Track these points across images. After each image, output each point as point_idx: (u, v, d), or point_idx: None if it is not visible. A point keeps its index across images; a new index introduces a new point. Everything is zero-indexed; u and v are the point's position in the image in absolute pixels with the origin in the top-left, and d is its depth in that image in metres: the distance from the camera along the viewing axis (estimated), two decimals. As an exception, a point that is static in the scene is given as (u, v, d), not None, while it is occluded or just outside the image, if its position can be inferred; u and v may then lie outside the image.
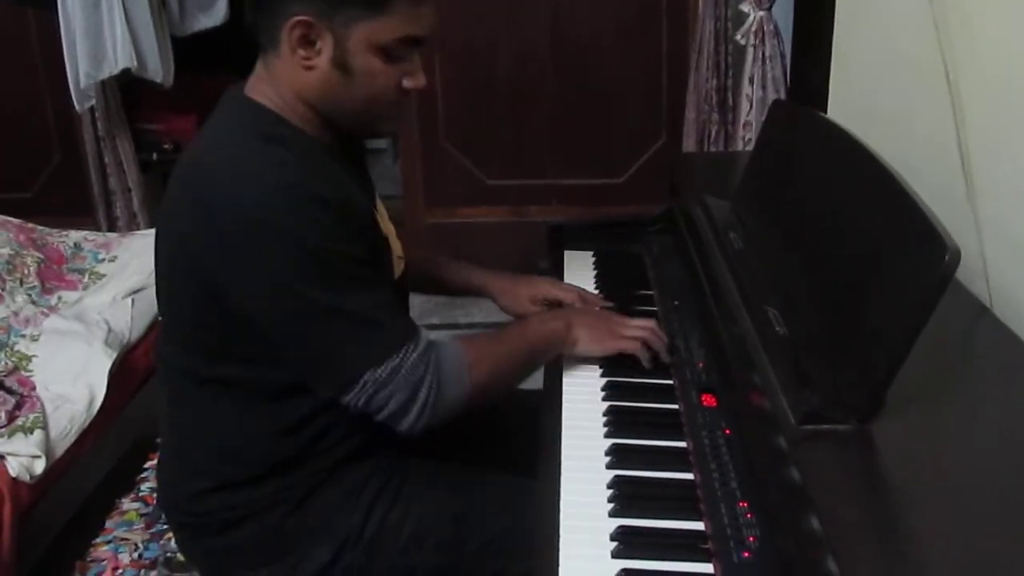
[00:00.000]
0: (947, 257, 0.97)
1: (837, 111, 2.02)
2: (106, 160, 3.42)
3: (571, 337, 1.46)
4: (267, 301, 1.24)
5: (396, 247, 1.47)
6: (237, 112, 1.33)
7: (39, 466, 1.77)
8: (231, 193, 1.22)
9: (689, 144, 3.19)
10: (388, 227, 1.46)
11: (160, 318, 1.45)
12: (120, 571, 1.45)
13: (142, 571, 1.43)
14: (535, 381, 1.50)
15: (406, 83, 1.31)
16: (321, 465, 1.37)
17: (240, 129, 1.31)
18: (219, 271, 1.25)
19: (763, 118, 1.86)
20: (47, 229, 2.61)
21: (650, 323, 1.49)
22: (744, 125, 3.00)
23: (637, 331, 1.46)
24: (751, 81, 2.93)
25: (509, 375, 1.44)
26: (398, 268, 1.46)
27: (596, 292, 1.70)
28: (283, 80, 1.30)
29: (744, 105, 2.98)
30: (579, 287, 1.67)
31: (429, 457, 1.45)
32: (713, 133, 3.12)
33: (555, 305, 1.63)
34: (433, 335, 1.36)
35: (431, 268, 1.72)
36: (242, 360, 1.31)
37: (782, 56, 2.88)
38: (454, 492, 1.43)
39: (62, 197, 3.56)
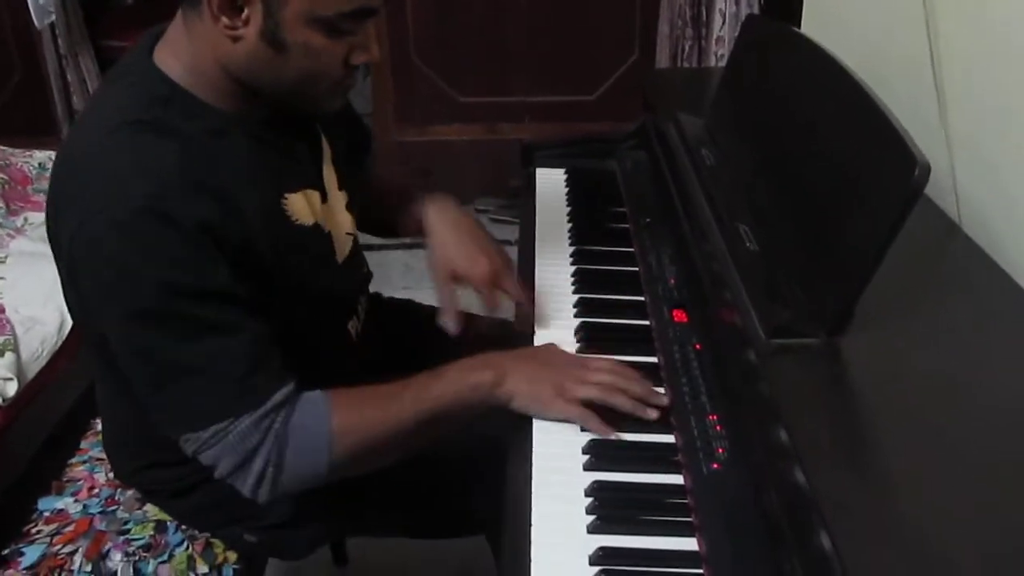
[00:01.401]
0: (917, 171, 0.97)
1: (811, 26, 2.01)
2: (69, 78, 3.35)
3: (503, 391, 1.19)
4: (106, 327, 1.10)
5: (343, 222, 1.32)
6: (128, 81, 1.14)
7: (11, 388, 1.76)
8: (75, 217, 1.06)
9: (662, 60, 3.16)
10: (334, 199, 1.31)
11: None
12: (96, 490, 1.45)
13: (118, 490, 1.43)
14: (505, 310, 1.45)
15: (355, 59, 1.13)
16: None
17: (118, 111, 1.11)
18: (69, 283, 1.13)
19: (736, 33, 1.84)
20: (10, 149, 2.55)
21: (607, 370, 1.21)
22: (717, 40, 2.97)
23: (592, 390, 1.18)
24: (725, -5, 2.90)
25: (394, 444, 1.19)
26: (345, 246, 1.33)
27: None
28: (202, 46, 1.10)
29: (717, 20, 2.95)
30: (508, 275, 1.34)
31: None
32: (686, 49, 3.09)
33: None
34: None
35: (382, 207, 1.49)
36: None
37: (756, -30, 2.84)
38: None
39: (24, 117, 3.49)
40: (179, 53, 1.13)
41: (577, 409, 1.17)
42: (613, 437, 1.15)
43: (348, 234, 1.34)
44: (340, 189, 1.32)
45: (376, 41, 1.15)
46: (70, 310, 1.22)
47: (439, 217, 1.40)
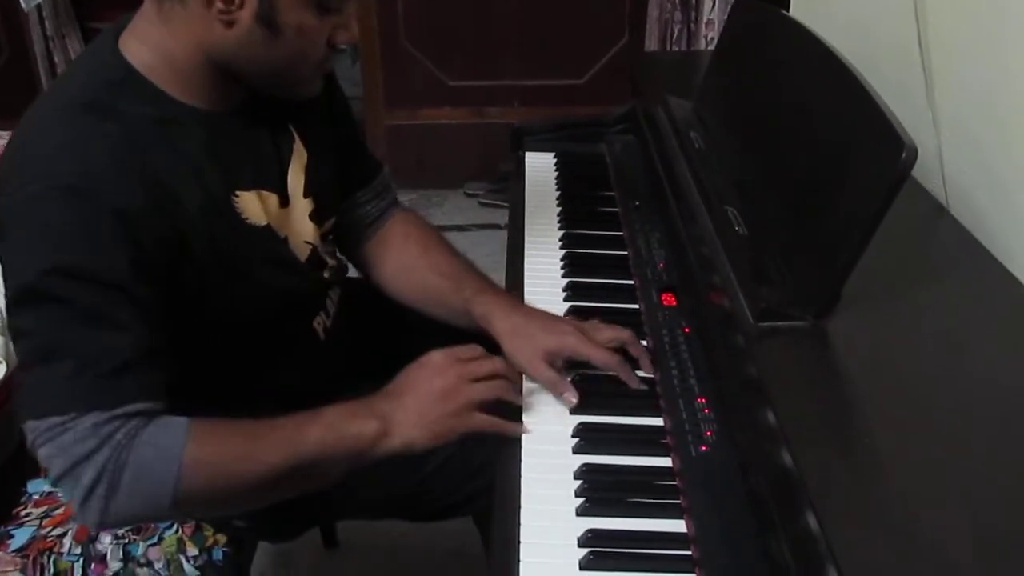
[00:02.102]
0: (904, 154, 0.97)
1: (800, 9, 2.01)
2: (56, 60, 3.33)
3: (397, 443, 1.14)
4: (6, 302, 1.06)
5: (304, 230, 1.28)
6: (88, 65, 1.15)
7: (0, 371, 1.76)
8: (4, 191, 1.04)
9: (652, 43, 3.16)
10: (296, 206, 1.27)
11: None
12: (86, 473, 1.46)
13: (108, 473, 1.44)
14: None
15: (337, 38, 1.13)
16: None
17: (70, 91, 1.11)
18: None
19: (726, 16, 1.84)
20: (-3, 131, 2.55)
21: (479, 357, 1.21)
22: (707, 24, 2.97)
23: (479, 390, 1.18)
24: (714, -21, 2.90)
25: (256, 487, 1.09)
26: (304, 252, 1.28)
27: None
28: (184, 33, 1.08)
29: (707, 3, 2.95)
30: (623, 334, 1.25)
31: (370, 383, 1.35)
32: (676, 32, 3.09)
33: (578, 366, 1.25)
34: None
35: (417, 282, 1.40)
36: None
37: (746, -47, 2.84)
38: None
39: (11, 98, 3.42)
40: (146, 40, 1.11)
41: (481, 419, 1.16)
42: (530, 430, 1.16)
43: (307, 243, 1.29)
44: (306, 197, 1.28)
45: (355, 20, 1.16)
46: None
47: (509, 303, 1.32)
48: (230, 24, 1.06)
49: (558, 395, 1.20)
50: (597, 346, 1.23)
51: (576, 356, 1.23)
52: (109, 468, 1.00)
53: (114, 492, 1.01)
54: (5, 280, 1.06)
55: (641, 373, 1.23)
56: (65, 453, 1.00)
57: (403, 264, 1.42)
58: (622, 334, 1.25)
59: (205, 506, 1.13)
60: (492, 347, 1.26)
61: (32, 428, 1.02)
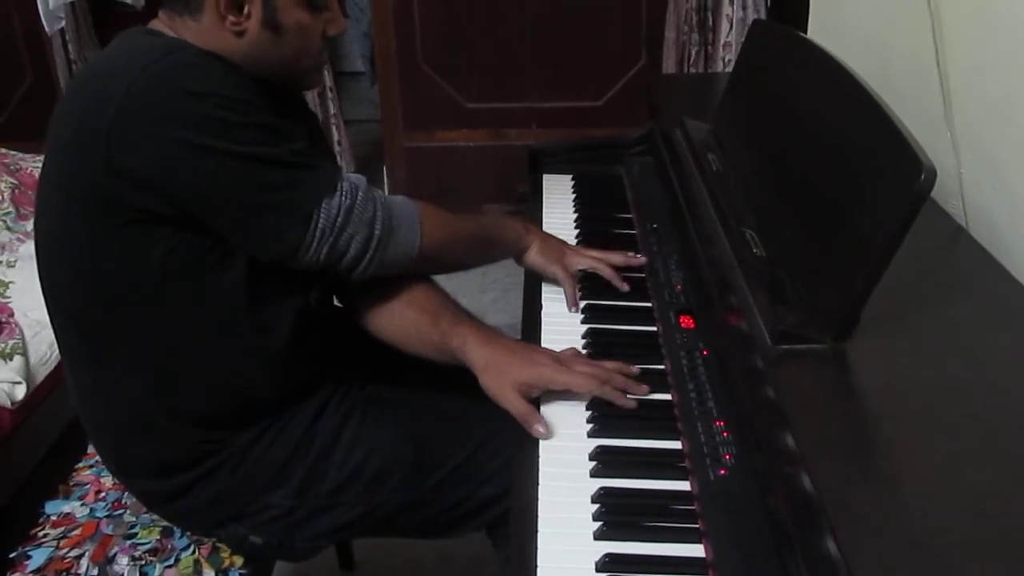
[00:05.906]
0: (923, 176, 0.97)
1: (817, 31, 2.01)
2: (78, 83, 3.37)
3: (525, 242, 1.48)
4: (183, 173, 1.13)
5: None
6: (134, 36, 1.24)
7: (20, 392, 1.77)
8: (125, 78, 1.11)
9: (669, 65, 3.16)
10: None
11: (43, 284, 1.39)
12: (103, 494, 1.45)
13: (125, 494, 1.44)
14: (512, 310, 1.45)
15: (329, 31, 1.28)
16: (252, 425, 1.31)
17: (139, 39, 1.22)
18: (116, 161, 1.13)
19: (743, 38, 1.84)
20: (20, 154, 2.57)
21: (600, 260, 1.50)
22: (724, 46, 2.98)
23: (586, 262, 1.49)
24: (731, 1, 2.90)
25: (461, 246, 1.38)
26: None
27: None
28: (198, 41, 1.20)
29: (724, 25, 2.96)
30: (598, 371, 1.24)
31: (384, 386, 1.42)
32: (693, 54, 3.10)
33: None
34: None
35: (395, 317, 1.36)
36: (132, 304, 1.22)
37: (763, -25, 2.85)
38: (411, 426, 1.37)
39: (34, 121, 3.44)
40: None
41: (567, 277, 1.46)
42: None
43: None
44: None
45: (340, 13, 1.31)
46: (47, 268, 1.36)
47: (481, 343, 1.29)
48: (240, 34, 1.20)
49: (528, 428, 1.19)
50: (574, 373, 1.23)
51: (553, 387, 1.23)
52: (386, 221, 1.23)
53: (391, 233, 1.24)
54: (176, 153, 1.12)
55: (657, 396, 1.23)
56: (360, 222, 1.21)
57: (382, 301, 1.37)
58: (598, 371, 1.23)
59: (437, 247, 1.31)
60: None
61: (325, 223, 1.18)
